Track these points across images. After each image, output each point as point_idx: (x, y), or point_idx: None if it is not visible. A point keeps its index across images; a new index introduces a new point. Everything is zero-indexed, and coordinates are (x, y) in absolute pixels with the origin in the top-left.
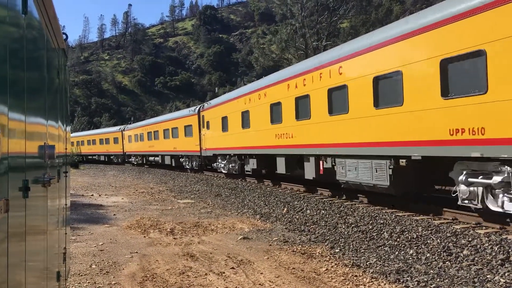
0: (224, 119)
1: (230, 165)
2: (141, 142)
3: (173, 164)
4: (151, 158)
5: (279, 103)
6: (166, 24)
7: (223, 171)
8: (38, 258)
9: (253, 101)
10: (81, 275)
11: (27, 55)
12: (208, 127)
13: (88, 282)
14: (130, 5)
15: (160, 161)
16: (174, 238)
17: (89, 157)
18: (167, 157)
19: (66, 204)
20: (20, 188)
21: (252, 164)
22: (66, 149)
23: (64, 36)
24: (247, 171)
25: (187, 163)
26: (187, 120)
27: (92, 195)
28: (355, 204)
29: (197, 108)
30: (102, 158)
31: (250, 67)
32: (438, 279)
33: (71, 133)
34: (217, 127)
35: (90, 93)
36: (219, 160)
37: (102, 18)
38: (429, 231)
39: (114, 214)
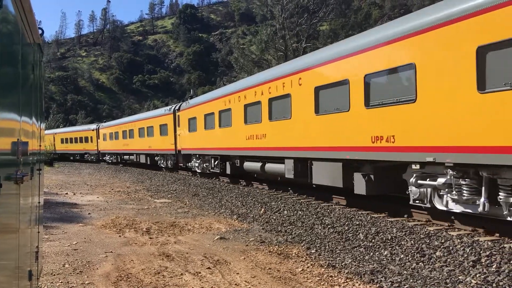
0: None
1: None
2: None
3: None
4: (126, 157)
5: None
6: (146, 22)
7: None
8: (9, 256)
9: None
10: (54, 275)
11: (1, 49)
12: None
13: (61, 282)
14: (108, 1)
15: (135, 160)
16: (150, 238)
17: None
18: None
19: (39, 202)
20: None
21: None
22: (40, 146)
23: (40, 31)
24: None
25: (162, 162)
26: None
27: (67, 193)
28: (332, 205)
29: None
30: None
31: (229, 67)
32: (411, 280)
33: (45, 130)
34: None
35: (66, 90)
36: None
37: (80, 14)
38: (403, 233)
39: (89, 213)
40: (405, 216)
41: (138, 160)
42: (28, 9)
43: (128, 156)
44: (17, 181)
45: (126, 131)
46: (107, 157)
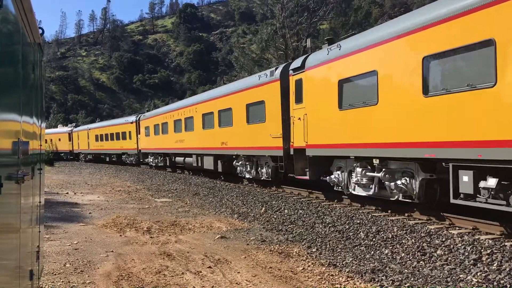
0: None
1: (156, 160)
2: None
3: (220, 170)
4: (179, 159)
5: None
6: (146, 21)
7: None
8: (10, 256)
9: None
10: (55, 274)
11: (2, 49)
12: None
13: (62, 281)
14: (109, 1)
15: (195, 164)
16: (151, 237)
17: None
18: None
19: (40, 202)
20: None
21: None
22: (40, 145)
23: (40, 31)
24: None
25: (128, 158)
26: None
27: (67, 193)
28: (333, 204)
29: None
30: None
31: (230, 66)
32: (412, 279)
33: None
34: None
35: (67, 89)
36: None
37: (80, 13)
38: (404, 231)
39: (90, 213)
40: (406, 214)
41: (199, 164)
42: (28, 8)
43: (182, 158)
44: (18, 180)
45: (181, 120)
46: (150, 159)
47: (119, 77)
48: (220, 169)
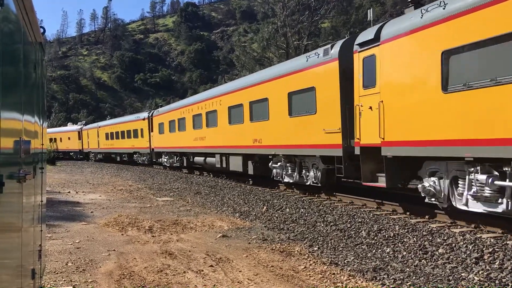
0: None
1: (171, 160)
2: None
3: (252, 172)
4: (198, 159)
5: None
6: (147, 20)
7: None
8: (12, 255)
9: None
10: (57, 273)
11: (3, 48)
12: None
13: (64, 280)
14: None
15: (219, 166)
16: (153, 236)
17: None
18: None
19: (42, 201)
20: None
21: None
22: (42, 144)
23: (42, 30)
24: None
25: (140, 158)
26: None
27: (69, 192)
28: (334, 203)
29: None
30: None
31: (231, 65)
32: (414, 277)
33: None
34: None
35: (68, 88)
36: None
37: (81, 12)
38: (406, 230)
39: (92, 212)
40: (408, 213)
41: (223, 165)
42: (30, 7)
43: (202, 158)
44: (19, 180)
45: (201, 115)
46: (164, 159)
47: (120, 76)
48: (251, 171)
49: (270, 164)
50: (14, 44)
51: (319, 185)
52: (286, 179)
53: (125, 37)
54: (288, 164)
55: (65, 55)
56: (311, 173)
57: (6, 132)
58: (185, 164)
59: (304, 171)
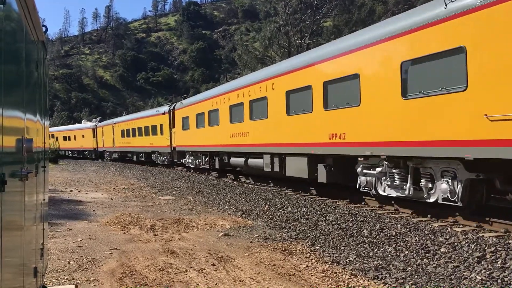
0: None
1: (197, 160)
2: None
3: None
4: (235, 160)
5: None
6: (149, 19)
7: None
8: (14, 254)
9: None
10: (59, 271)
11: (5, 47)
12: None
13: (66, 279)
14: None
15: (268, 169)
16: (155, 235)
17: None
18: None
19: (44, 199)
20: None
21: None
22: (44, 143)
23: (44, 29)
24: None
25: (159, 158)
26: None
27: (71, 190)
28: (336, 202)
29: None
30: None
31: (233, 64)
32: (416, 276)
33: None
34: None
35: (70, 87)
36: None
37: (84, 11)
38: (408, 229)
39: (94, 210)
40: (410, 212)
41: (275, 169)
42: (32, 6)
43: (243, 159)
44: (21, 178)
45: (242, 105)
46: (188, 159)
47: (122, 75)
48: (323, 179)
49: (358, 169)
50: (16, 43)
51: (458, 204)
52: (394, 193)
53: (127, 36)
54: (394, 171)
55: (67, 54)
56: (443, 185)
57: (8, 131)
58: (217, 166)
59: (423, 181)
